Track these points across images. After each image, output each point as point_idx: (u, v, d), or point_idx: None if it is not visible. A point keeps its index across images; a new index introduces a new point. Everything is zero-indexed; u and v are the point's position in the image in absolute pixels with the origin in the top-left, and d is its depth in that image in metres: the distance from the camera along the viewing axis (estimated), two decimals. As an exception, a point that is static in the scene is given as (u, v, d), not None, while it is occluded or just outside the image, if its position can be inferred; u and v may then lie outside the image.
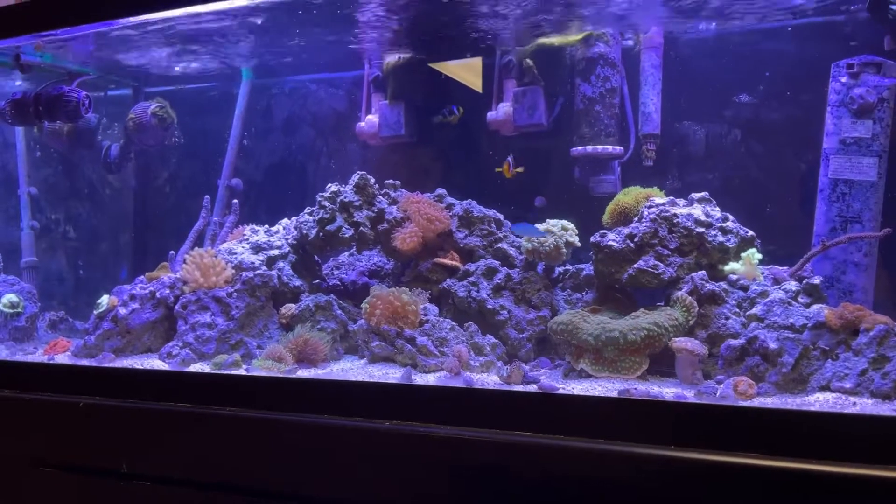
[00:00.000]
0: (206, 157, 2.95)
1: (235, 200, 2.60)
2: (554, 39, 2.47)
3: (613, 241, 1.99)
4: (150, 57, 2.67)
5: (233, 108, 2.86)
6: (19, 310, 2.54)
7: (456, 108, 2.50)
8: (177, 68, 2.82)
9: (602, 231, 2.06)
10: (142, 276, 2.34)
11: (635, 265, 1.94)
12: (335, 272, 2.50)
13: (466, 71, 2.42)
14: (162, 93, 2.95)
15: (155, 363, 2.11)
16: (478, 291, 2.15)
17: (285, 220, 2.47)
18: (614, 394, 1.61)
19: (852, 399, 1.47)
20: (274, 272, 2.24)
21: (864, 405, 1.43)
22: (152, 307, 2.22)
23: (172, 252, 2.52)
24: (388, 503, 1.62)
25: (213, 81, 2.95)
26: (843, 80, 2.02)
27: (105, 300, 2.26)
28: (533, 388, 1.72)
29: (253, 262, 2.23)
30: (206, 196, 2.60)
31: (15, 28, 2.29)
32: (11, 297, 2.54)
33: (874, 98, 1.98)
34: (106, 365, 2.11)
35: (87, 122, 2.82)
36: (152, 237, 3.04)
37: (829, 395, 1.51)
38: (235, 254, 2.28)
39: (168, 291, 2.22)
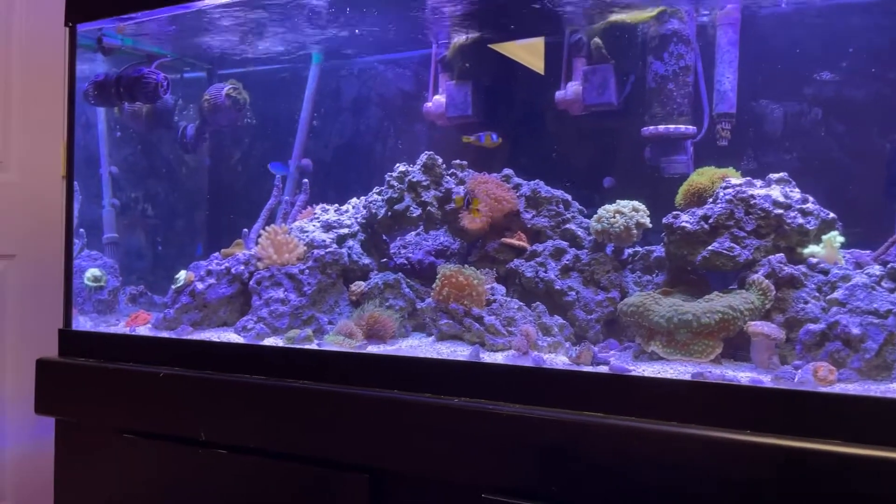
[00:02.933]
0: (278, 138, 3.01)
1: (306, 180, 2.65)
2: (626, 16, 2.42)
3: (687, 222, 1.95)
4: (224, 39, 2.74)
5: (303, 89, 2.91)
6: (102, 283, 2.66)
7: (496, 136, 2.45)
8: (250, 51, 2.87)
9: (675, 212, 2.02)
10: (217, 253, 2.41)
11: (709, 247, 1.90)
12: (402, 251, 2.53)
13: (527, 52, 2.40)
14: (235, 75, 3.01)
15: (231, 336, 2.18)
16: (545, 272, 2.14)
17: (354, 200, 2.51)
18: (687, 377, 1.59)
19: (941, 388, 1.41)
20: (344, 250, 2.28)
21: (955, 394, 1.38)
22: (228, 282, 2.29)
23: (246, 230, 2.59)
24: (456, 478, 1.65)
25: (283, 63, 3.00)
26: (935, 55, 1.92)
27: (183, 275, 2.35)
28: (603, 369, 1.72)
29: (324, 240, 2.28)
30: (279, 174, 2.66)
31: (99, 11, 2.37)
32: (95, 271, 2.66)
33: (970, 74, 1.87)
34: (185, 337, 2.20)
35: (164, 103, 2.91)
36: (226, 215, 3.13)
37: (915, 383, 1.46)
38: (307, 232, 2.33)
39: (243, 267, 2.29)
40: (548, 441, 1.54)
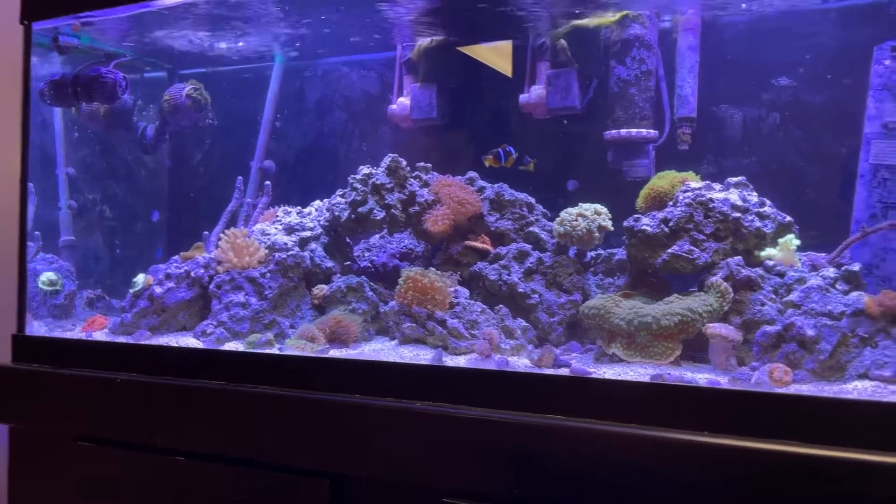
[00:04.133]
0: (240, 139, 2.97)
1: (268, 182, 2.62)
2: (589, 20, 2.44)
3: (647, 225, 1.97)
4: (185, 39, 2.70)
5: (266, 90, 2.88)
6: (58, 287, 2.60)
7: (513, 150, 2.41)
8: (211, 51, 2.84)
9: (636, 215, 2.04)
10: (177, 256, 2.37)
11: (669, 250, 1.92)
12: (366, 254, 2.51)
13: (496, 54, 2.40)
14: (196, 75, 2.97)
15: (190, 341, 2.14)
16: (509, 275, 2.15)
17: (317, 202, 2.49)
18: (647, 379, 1.60)
19: (891, 387, 1.44)
20: (306, 253, 2.26)
21: (904, 394, 1.41)
22: (187, 286, 2.25)
23: (206, 232, 2.56)
24: (418, 482, 1.64)
25: (246, 64, 2.97)
26: (887, 62, 1.97)
27: (141, 279, 2.30)
28: (565, 371, 1.72)
29: (286, 243, 2.26)
30: (240, 177, 2.63)
31: (53, 9, 2.32)
32: (50, 275, 2.60)
33: (920, 81, 1.92)
34: (143, 342, 2.15)
35: (123, 103, 2.85)
36: (186, 217, 3.08)
37: (867, 384, 1.48)
38: (268, 235, 2.30)
39: (203, 271, 2.25)
40: (509, 444, 1.54)
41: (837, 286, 1.73)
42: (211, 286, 2.21)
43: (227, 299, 2.16)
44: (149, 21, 2.53)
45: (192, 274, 2.25)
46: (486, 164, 2.33)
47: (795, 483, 1.30)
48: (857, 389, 1.46)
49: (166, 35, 2.65)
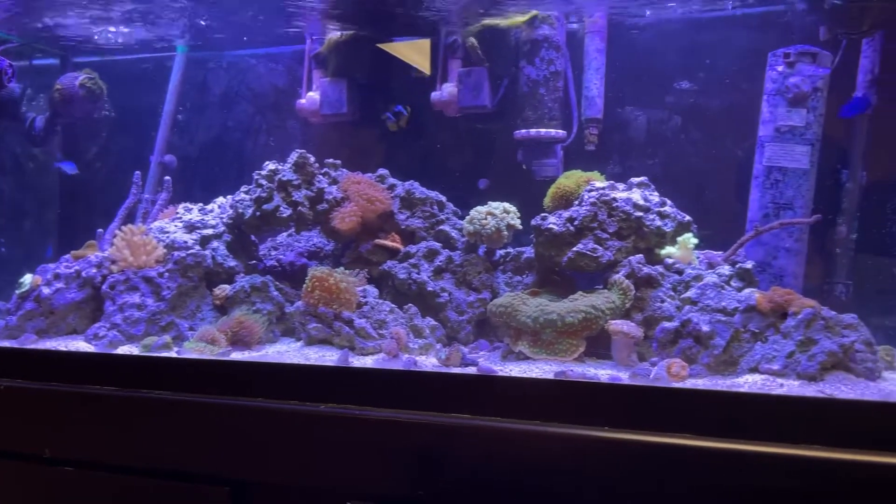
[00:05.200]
0: (139, 132, 2.84)
1: (168, 177, 2.51)
2: (499, 20, 2.45)
3: (554, 224, 1.99)
4: (79, 25, 2.55)
5: (167, 81, 2.75)
6: (-65, 289, 2.41)
7: (403, 108, 2.42)
8: (108, 38, 2.69)
9: (543, 214, 2.06)
10: (68, 255, 2.24)
11: (575, 248, 1.94)
12: (273, 253, 2.44)
13: (414, 51, 2.38)
14: (91, 63, 2.81)
15: (80, 345, 2.02)
16: (418, 273, 2.13)
17: (221, 199, 2.39)
18: (551, 376, 1.61)
19: (780, 381, 1.50)
20: (208, 252, 2.17)
21: (791, 387, 1.47)
22: (78, 287, 2.12)
23: (101, 230, 2.42)
24: (322, 486, 1.60)
25: (146, 53, 2.83)
26: (780, 69, 2.06)
27: (28, 279, 2.16)
28: (471, 370, 1.72)
29: (186, 242, 2.16)
30: (137, 172, 2.51)
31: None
32: (-74, 275, 2.41)
33: (808, 87, 2.02)
34: (28, 346, 2.02)
35: (10, 91, 2.67)
36: (80, 214, 2.91)
37: (757, 377, 1.54)
38: (167, 232, 2.20)
39: (95, 271, 2.13)
40: (415, 445, 1.52)
41: (732, 283, 1.80)
42: (104, 287, 2.09)
43: (122, 300, 2.05)
44: (39, 3, 2.38)
45: (84, 273, 2.13)
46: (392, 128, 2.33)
47: (691, 475, 1.33)
48: (748, 383, 1.52)
49: (58, 19, 2.50)
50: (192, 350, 1.90)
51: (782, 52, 2.06)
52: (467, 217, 2.16)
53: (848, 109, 2.00)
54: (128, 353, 1.94)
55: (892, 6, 1.92)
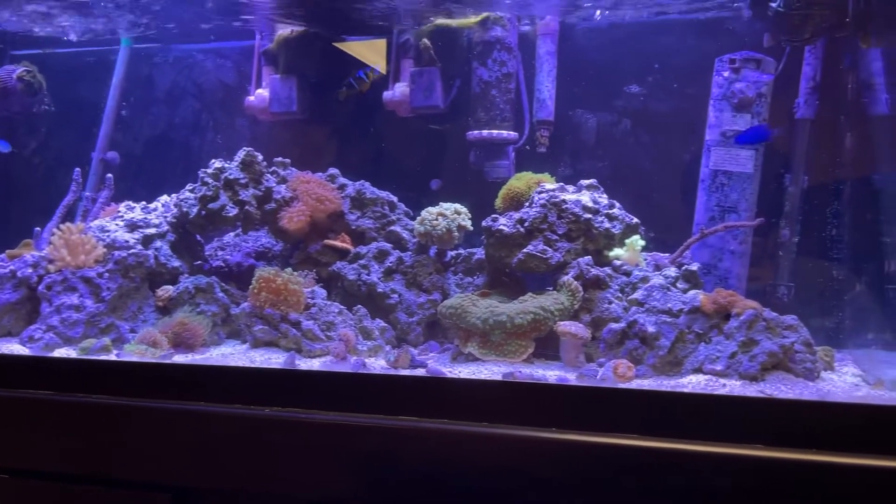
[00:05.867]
0: (80, 128, 2.75)
1: (110, 175, 2.43)
2: (452, 21, 2.44)
3: (504, 225, 1.99)
4: (19, 16, 2.46)
5: (110, 75, 2.67)
6: None
7: (364, 74, 2.38)
8: (47, 30, 2.60)
9: (494, 215, 2.06)
10: (2, 254, 2.15)
11: (525, 249, 1.95)
12: (219, 253, 2.39)
13: (370, 51, 2.36)
14: (30, 56, 2.71)
15: (15, 347, 1.95)
16: (368, 275, 2.10)
17: (165, 198, 2.33)
18: (499, 377, 1.61)
19: (722, 381, 1.53)
20: (150, 252, 2.11)
21: (733, 387, 1.49)
22: (12, 287, 2.04)
23: (38, 229, 2.33)
24: (266, 492, 1.56)
25: (88, 46, 2.75)
26: (726, 74, 2.10)
27: (-41, 280, 2.06)
28: (420, 372, 1.70)
29: (127, 241, 2.09)
30: (78, 169, 2.42)
31: None
32: None
33: (753, 93, 2.06)
34: (-42, 350, 1.93)
35: (-58, 84, 2.56)
36: (16, 212, 2.81)
37: (701, 377, 1.56)
38: (108, 231, 2.13)
39: (31, 270, 2.05)
40: (362, 448, 1.50)
41: (678, 285, 1.82)
42: (40, 287, 2.01)
43: (59, 301, 1.98)
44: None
45: (19, 273, 2.04)
46: (342, 95, 2.32)
47: (637, 475, 1.34)
48: (691, 383, 1.53)
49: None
50: (133, 353, 1.84)
51: (728, 57, 2.10)
52: (418, 218, 2.15)
53: (744, 138, 2.05)
54: (65, 356, 1.87)
55: (832, 15, 1.97)
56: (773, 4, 1.94)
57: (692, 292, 1.76)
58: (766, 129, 2.05)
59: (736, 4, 2.23)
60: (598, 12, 2.37)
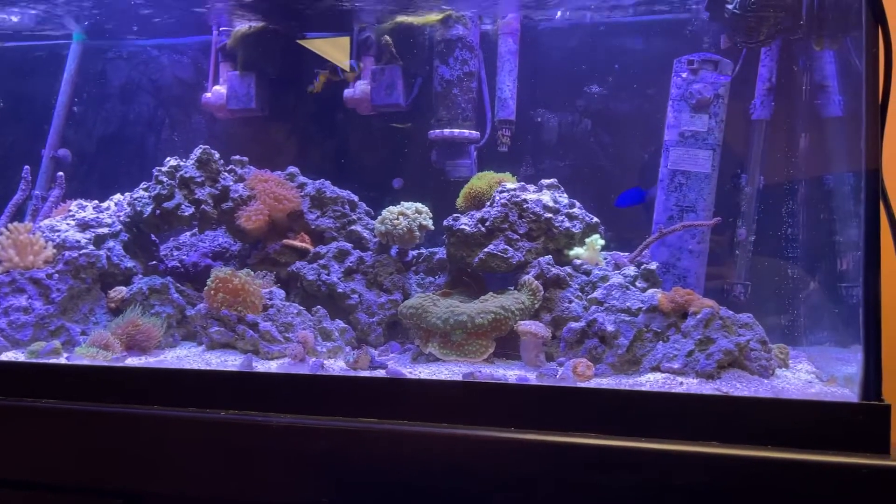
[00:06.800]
0: (30, 124, 2.66)
1: (61, 173, 2.36)
2: (413, 18, 2.43)
3: (465, 224, 1.99)
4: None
5: (61, 70, 2.60)
6: None
7: (355, 64, 2.36)
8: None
9: (455, 215, 2.05)
10: (-54, 255, 2.07)
11: (486, 249, 1.94)
12: (175, 253, 2.34)
13: (334, 48, 2.33)
14: (-23, 49, 2.63)
15: (-41, 352, 1.88)
16: (328, 275, 2.08)
17: (118, 196, 2.27)
18: (460, 377, 1.60)
19: (679, 379, 1.54)
20: (102, 252, 2.05)
21: (690, 385, 1.51)
22: (-43, 289, 1.97)
23: (-15, 228, 2.26)
24: (222, 497, 1.53)
25: (38, 41, 2.67)
26: (684, 75, 2.12)
27: None
28: (380, 373, 1.68)
29: (78, 241, 2.04)
30: (27, 166, 2.35)
31: None
32: None
33: (710, 94, 2.09)
34: None
35: None
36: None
37: (659, 376, 1.57)
38: (58, 231, 2.07)
39: (-24, 272, 1.98)
40: (320, 451, 1.48)
41: (637, 284, 1.84)
42: (-13, 289, 1.95)
43: (7, 303, 1.91)
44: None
45: (-36, 275, 1.98)
46: (315, 89, 2.31)
47: (596, 474, 1.35)
48: (650, 381, 1.54)
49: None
50: (84, 356, 1.79)
51: (686, 59, 2.12)
52: (379, 217, 2.13)
53: (622, 200, 2.10)
54: (13, 359, 1.81)
55: (787, 18, 2.00)
56: (730, 6, 1.96)
57: (651, 291, 1.77)
58: (640, 191, 2.10)
59: (694, 6, 2.25)
60: (558, 13, 2.38)
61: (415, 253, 2.23)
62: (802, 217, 2.16)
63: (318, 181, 2.29)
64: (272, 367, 1.77)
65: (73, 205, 2.22)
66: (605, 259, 1.96)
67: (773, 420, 1.31)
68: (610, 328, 1.66)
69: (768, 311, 2.05)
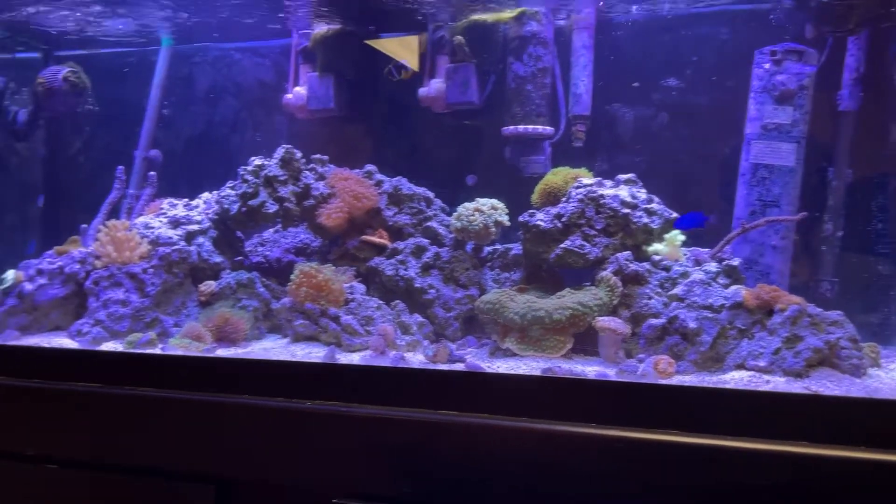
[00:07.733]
0: (123, 127, 2.81)
1: (153, 172, 2.48)
2: (487, 16, 2.44)
3: (541, 220, 1.99)
4: (62, 17, 2.52)
5: (152, 75, 2.73)
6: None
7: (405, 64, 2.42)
8: (92, 32, 2.66)
9: (531, 211, 2.06)
10: (51, 251, 2.21)
11: (562, 245, 1.94)
12: (259, 249, 2.42)
13: (403, 48, 2.37)
14: (74, 57, 2.78)
15: (64, 341, 2.00)
16: (406, 270, 2.12)
17: (206, 195, 2.37)
18: (538, 372, 1.61)
19: (766, 377, 1.51)
20: (193, 248, 2.15)
21: (777, 383, 1.48)
22: (61, 283, 2.10)
23: (84, 225, 2.39)
24: (306, 484, 1.59)
25: (130, 47, 2.80)
26: (766, 66, 2.07)
27: (10, 275, 2.13)
28: (459, 366, 1.71)
29: (171, 237, 2.14)
30: (121, 167, 2.48)
31: None
32: None
33: (795, 85, 2.03)
34: (10, 343, 1.99)
35: (-9, 85, 2.64)
36: (63, 209, 2.88)
37: (744, 374, 1.55)
38: (152, 228, 2.18)
39: (78, 266, 2.10)
40: (400, 442, 1.51)
41: (718, 280, 1.80)
42: (87, 282, 2.07)
43: (106, 296, 2.03)
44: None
45: (67, 269, 2.10)
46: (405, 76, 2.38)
47: (678, 472, 1.34)
48: (734, 379, 1.52)
49: (41, 12, 2.46)
50: (177, 346, 1.88)
51: (769, 49, 2.07)
52: (455, 213, 2.15)
53: (682, 222, 2.01)
54: (112, 349, 1.91)
55: (877, 5, 1.93)
56: (816, -5, 1.90)
57: (734, 287, 1.74)
58: (701, 215, 2.02)
59: (779, -5, 2.19)
60: (634, 6, 2.35)
61: (490, 249, 2.24)
62: (893, 211, 2.08)
63: (394, 179, 2.33)
64: (354, 359, 1.82)
65: (165, 203, 2.33)
66: (686, 255, 1.93)
67: (866, 420, 1.27)
68: (692, 325, 1.64)
69: (857, 308, 1.98)
